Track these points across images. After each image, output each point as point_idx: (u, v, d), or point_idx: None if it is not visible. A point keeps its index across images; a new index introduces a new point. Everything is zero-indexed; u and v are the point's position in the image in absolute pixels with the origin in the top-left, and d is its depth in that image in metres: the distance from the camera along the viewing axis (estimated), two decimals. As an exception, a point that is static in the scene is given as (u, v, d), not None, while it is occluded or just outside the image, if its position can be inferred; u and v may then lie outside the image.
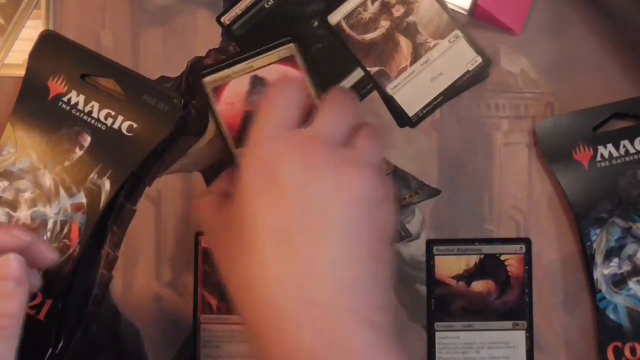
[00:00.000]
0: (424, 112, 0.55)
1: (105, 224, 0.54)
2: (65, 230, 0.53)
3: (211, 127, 0.55)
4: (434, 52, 0.54)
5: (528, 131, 0.55)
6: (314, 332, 0.40)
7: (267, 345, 0.41)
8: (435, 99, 0.55)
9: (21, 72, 0.54)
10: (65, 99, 0.54)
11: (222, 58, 0.55)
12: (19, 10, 0.55)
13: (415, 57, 0.54)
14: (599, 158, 0.54)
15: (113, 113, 0.54)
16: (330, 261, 0.41)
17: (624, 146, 0.54)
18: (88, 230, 0.53)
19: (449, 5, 0.55)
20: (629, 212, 0.53)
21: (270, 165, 0.42)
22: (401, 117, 0.55)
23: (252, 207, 0.42)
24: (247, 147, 0.44)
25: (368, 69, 0.55)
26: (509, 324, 0.54)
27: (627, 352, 0.53)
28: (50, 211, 0.53)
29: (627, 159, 0.54)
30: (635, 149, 0.54)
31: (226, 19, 0.55)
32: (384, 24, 0.54)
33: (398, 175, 0.55)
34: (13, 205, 0.54)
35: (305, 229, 0.42)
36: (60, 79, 0.54)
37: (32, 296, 0.53)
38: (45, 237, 0.53)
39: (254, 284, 0.42)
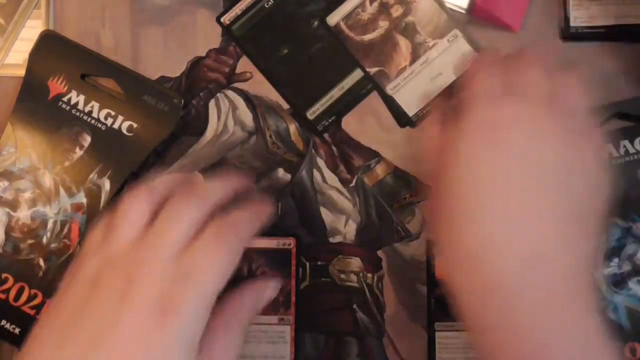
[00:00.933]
0: (424, 112, 0.55)
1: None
2: (66, 230, 0.53)
3: (211, 127, 0.55)
4: (433, 52, 0.54)
5: (528, 131, 0.55)
6: (546, 315, 0.38)
7: (494, 331, 0.38)
8: (435, 98, 0.55)
9: (21, 72, 0.54)
10: (65, 99, 0.54)
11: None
12: (19, 10, 0.55)
13: (415, 57, 0.54)
14: (599, 158, 0.54)
15: (113, 113, 0.54)
16: (560, 240, 0.39)
17: (624, 146, 0.54)
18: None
19: (448, 5, 0.55)
20: (629, 212, 0.53)
21: (498, 130, 0.41)
22: (401, 117, 0.55)
23: (477, 171, 0.40)
24: (468, 110, 0.43)
25: (367, 69, 0.55)
26: (509, 324, 0.54)
27: (627, 352, 0.53)
28: (50, 211, 0.53)
29: (627, 159, 0.54)
30: (635, 149, 0.54)
31: (226, 19, 0.55)
32: (383, 24, 0.54)
33: (398, 175, 0.55)
34: (13, 205, 0.54)
35: (536, 201, 0.39)
36: (60, 79, 0.54)
37: (33, 296, 0.53)
38: (45, 238, 0.53)
39: (479, 258, 0.39)
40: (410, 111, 0.55)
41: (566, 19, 0.55)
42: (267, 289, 0.45)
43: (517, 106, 0.42)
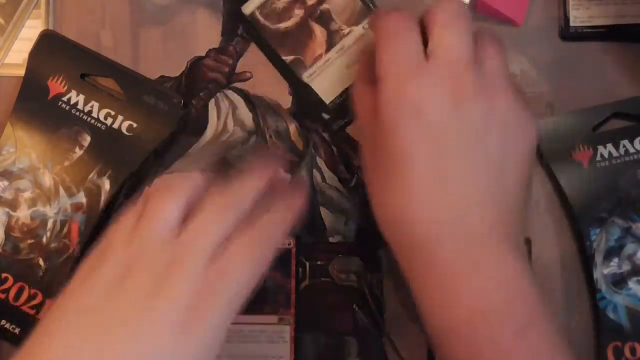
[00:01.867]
0: (341, 99, 0.55)
1: (106, 222, 0.54)
2: (65, 230, 0.53)
3: (211, 127, 0.55)
4: (349, 39, 0.54)
5: (528, 131, 0.55)
6: (466, 260, 0.41)
7: (416, 270, 0.42)
8: (352, 85, 0.55)
9: (21, 72, 0.54)
10: (65, 99, 0.54)
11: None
12: (19, 10, 0.55)
13: (331, 45, 0.54)
14: (599, 158, 0.54)
15: (113, 113, 0.54)
16: (485, 193, 0.41)
17: (624, 146, 0.54)
18: (88, 231, 0.53)
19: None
20: (629, 212, 0.53)
21: (418, 102, 0.42)
22: (318, 105, 0.55)
23: (402, 142, 0.42)
24: (384, 83, 0.43)
25: (284, 58, 0.55)
26: (509, 324, 0.54)
27: (627, 352, 0.53)
28: (50, 211, 0.53)
29: (627, 159, 0.54)
30: (635, 149, 0.54)
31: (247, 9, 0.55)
32: (298, 12, 0.54)
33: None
34: (13, 205, 0.54)
35: (459, 164, 0.41)
36: (60, 79, 0.54)
37: (33, 296, 0.53)
38: (45, 238, 0.53)
39: (407, 221, 0.42)
40: (327, 99, 0.55)
41: (566, 19, 0.55)
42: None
43: (436, 80, 0.42)
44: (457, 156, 0.42)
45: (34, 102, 0.54)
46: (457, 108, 0.42)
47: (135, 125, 0.54)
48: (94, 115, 0.54)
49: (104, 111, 0.54)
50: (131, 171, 0.54)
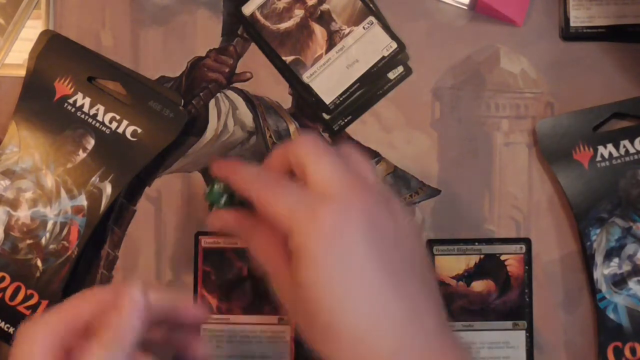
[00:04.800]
0: (341, 99, 0.55)
1: (106, 224, 0.54)
2: (65, 232, 0.53)
3: (211, 127, 0.55)
4: (348, 39, 0.54)
5: (528, 131, 0.55)
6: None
7: None
8: (351, 85, 0.54)
9: (21, 72, 0.54)
10: (71, 100, 0.54)
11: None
12: (19, 10, 0.55)
13: (331, 44, 0.54)
14: (599, 158, 0.54)
15: (118, 117, 0.54)
16: (400, 311, 0.39)
17: (624, 146, 0.54)
18: (87, 233, 0.53)
19: (450, 2, 0.55)
20: (629, 212, 0.53)
21: (335, 233, 0.39)
22: (318, 105, 0.55)
23: (323, 278, 0.39)
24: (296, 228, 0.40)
25: (284, 58, 0.55)
26: (509, 324, 0.54)
27: (627, 352, 0.53)
28: (50, 212, 0.53)
29: (627, 159, 0.54)
30: (635, 149, 0.54)
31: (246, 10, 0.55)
32: (298, 12, 0.54)
33: (398, 175, 0.55)
34: (14, 204, 0.54)
35: (372, 278, 0.40)
36: (67, 81, 0.54)
37: (29, 296, 0.53)
38: (43, 239, 0.53)
39: (326, 336, 0.40)
40: (327, 99, 0.55)
41: (566, 19, 0.55)
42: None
43: (333, 207, 0.40)
44: (372, 267, 0.40)
45: (40, 103, 0.54)
46: (365, 224, 0.40)
47: (139, 131, 0.53)
48: (99, 118, 0.54)
49: (109, 115, 0.54)
50: (132, 176, 0.54)
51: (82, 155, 0.54)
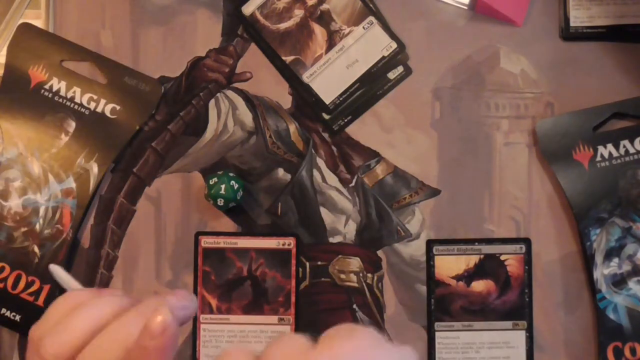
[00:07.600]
0: (341, 99, 0.54)
1: (106, 224, 0.55)
2: (57, 215, 0.54)
3: (211, 127, 0.55)
4: (348, 39, 0.54)
5: (528, 131, 0.55)
6: None
7: None
8: (351, 85, 0.54)
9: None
10: (47, 86, 0.54)
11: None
12: (11, 9, 0.55)
13: (330, 44, 0.54)
14: (599, 158, 0.54)
15: (95, 97, 0.54)
16: None
17: (624, 146, 0.54)
18: (80, 214, 0.53)
19: (449, 2, 0.55)
20: (629, 212, 0.53)
21: None
22: (318, 105, 0.55)
23: None
24: None
25: (284, 58, 0.55)
26: (509, 324, 0.54)
27: (627, 352, 0.53)
28: (41, 198, 0.54)
29: (627, 159, 0.54)
30: (635, 149, 0.54)
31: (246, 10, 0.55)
32: (298, 12, 0.54)
33: (398, 175, 0.55)
34: (4, 195, 0.54)
35: None
36: (41, 67, 0.54)
37: (30, 282, 0.53)
38: (37, 225, 0.54)
39: None
40: (327, 99, 0.55)
41: (566, 19, 0.55)
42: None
43: None
44: None
45: (17, 92, 0.54)
46: None
47: (118, 108, 0.54)
48: (77, 100, 0.54)
49: (87, 95, 0.54)
50: (117, 153, 0.54)
51: (64, 138, 0.54)
